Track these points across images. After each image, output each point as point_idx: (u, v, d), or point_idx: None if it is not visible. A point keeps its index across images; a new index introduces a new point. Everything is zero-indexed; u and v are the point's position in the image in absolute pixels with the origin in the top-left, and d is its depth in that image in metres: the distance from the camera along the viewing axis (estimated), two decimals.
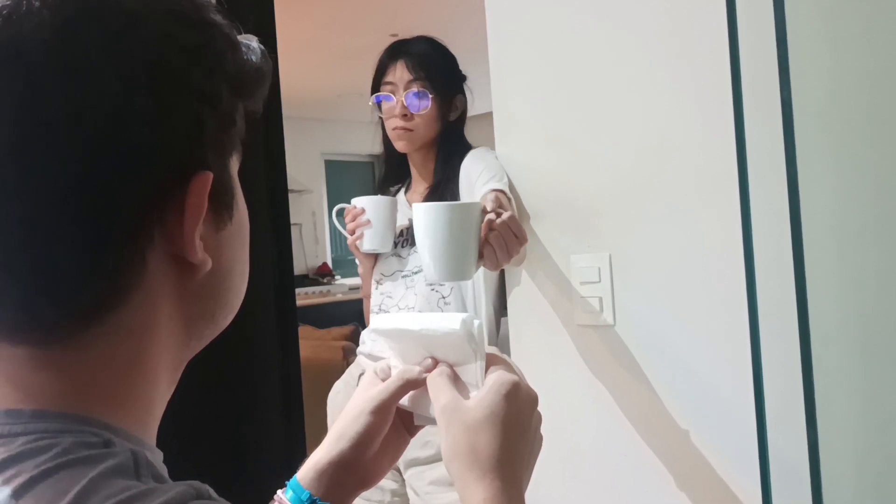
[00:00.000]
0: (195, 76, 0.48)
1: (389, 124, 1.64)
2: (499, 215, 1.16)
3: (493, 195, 1.21)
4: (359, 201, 1.56)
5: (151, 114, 0.45)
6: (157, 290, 0.48)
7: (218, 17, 0.51)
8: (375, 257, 1.67)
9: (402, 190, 1.75)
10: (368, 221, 1.54)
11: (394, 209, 1.57)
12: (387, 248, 1.58)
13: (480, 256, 1.18)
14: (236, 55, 0.51)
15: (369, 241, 1.55)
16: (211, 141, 0.49)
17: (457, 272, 1.18)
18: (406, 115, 1.60)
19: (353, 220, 1.55)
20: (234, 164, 0.53)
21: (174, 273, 0.49)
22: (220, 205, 0.51)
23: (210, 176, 0.48)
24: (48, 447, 0.43)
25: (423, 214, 1.16)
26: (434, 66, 1.64)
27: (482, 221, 1.17)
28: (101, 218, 0.44)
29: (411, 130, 1.61)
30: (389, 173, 1.76)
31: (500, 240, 1.16)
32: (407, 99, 1.60)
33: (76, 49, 0.44)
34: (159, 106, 0.46)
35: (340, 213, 1.61)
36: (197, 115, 0.48)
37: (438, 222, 1.15)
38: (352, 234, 1.56)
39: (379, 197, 1.60)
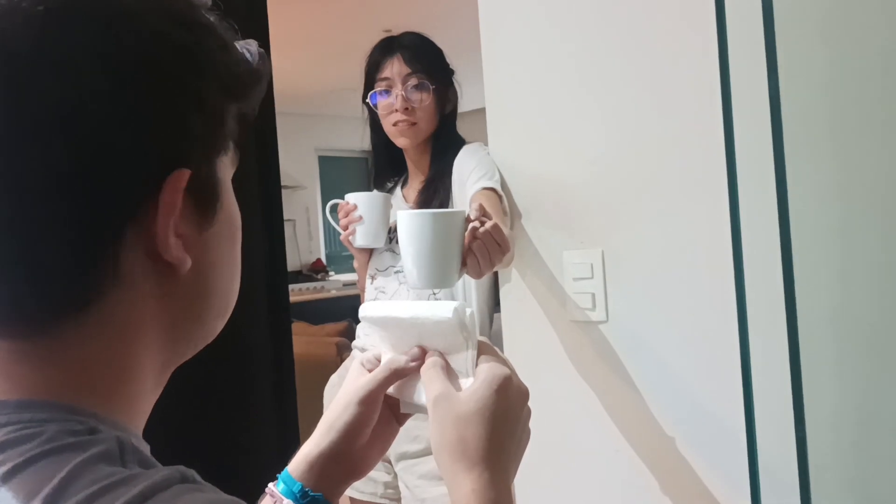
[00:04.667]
0: (180, 76, 0.48)
1: (389, 120, 1.63)
2: (482, 223, 1.16)
3: (477, 203, 1.21)
4: (351, 197, 1.57)
5: (128, 111, 0.45)
6: (136, 288, 0.48)
7: (211, 18, 0.51)
8: (371, 251, 1.68)
9: (399, 185, 1.75)
10: (360, 217, 1.54)
11: (387, 205, 1.57)
12: (379, 243, 1.59)
13: (463, 264, 1.18)
14: (228, 56, 0.51)
15: (361, 236, 1.56)
16: (193, 140, 0.49)
17: (439, 280, 1.18)
18: (408, 109, 1.60)
19: (346, 215, 1.56)
20: (225, 165, 0.53)
21: (154, 271, 0.49)
22: (203, 205, 0.51)
23: (186, 174, 0.48)
24: (33, 435, 0.43)
25: (406, 222, 1.16)
26: (429, 58, 1.65)
27: (465, 229, 1.17)
28: (72, 213, 0.45)
29: (415, 124, 1.61)
30: (383, 169, 1.76)
31: (482, 249, 1.16)
32: (407, 92, 1.61)
33: (56, 44, 0.44)
34: (137, 104, 0.46)
35: (334, 209, 1.62)
36: (178, 115, 0.48)
37: (422, 230, 1.15)
38: (345, 230, 1.57)
39: (372, 193, 1.60)
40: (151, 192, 0.47)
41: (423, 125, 1.62)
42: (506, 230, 1.25)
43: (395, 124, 1.62)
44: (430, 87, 1.61)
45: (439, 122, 1.65)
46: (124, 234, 0.47)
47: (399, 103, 1.61)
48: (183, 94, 0.48)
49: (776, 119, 0.79)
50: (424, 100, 1.61)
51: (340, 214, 1.58)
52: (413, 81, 1.61)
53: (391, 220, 1.61)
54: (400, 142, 1.65)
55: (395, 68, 1.62)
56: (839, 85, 0.88)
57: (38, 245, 0.44)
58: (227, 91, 0.51)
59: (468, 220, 1.18)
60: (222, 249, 0.54)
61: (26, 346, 0.46)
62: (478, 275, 1.20)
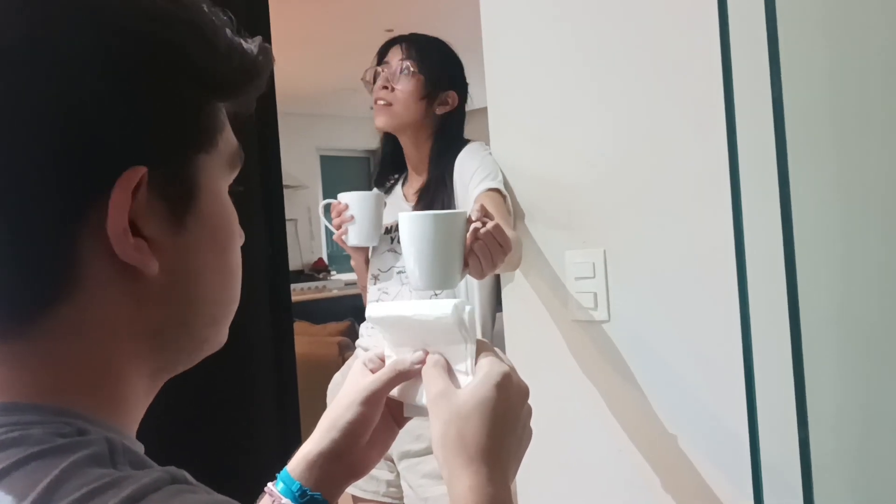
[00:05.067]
0: (139, 69, 0.46)
1: (374, 99, 1.66)
2: (484, 224, 1.16)
3: (479, 204, 1.21)
4: (343, 197, 1.58)
5: (76, 103, 0.44)
6: (103, 290, 0.46)
7: (196, 13, 0.49)
8: (367, 250, 1.68)
9: (400, 183, 1.75)
10: (352, 217, 1.55)
11: (379, 204, 1.58)
12: (373, 242, 1.59)
13: (465, 265, 1.18)
14: (211, 53, 0.49)
15: (354, 236, 1.57)
16: (155, 137, 0.47)
17: (441, 281, 1.18)
18: (386, 88, 1.62)
19: (338, 215, 1.57)
20: (207, 166, 0.50)
21: (120, 274, 0.47)
22: (175, 206, 0.48)
23: (140, 171, 0.45)
24: (20, 439, 0.42)
25: (407, 224, 1.17)
26: (427, 53, 1.66)
27: (467, 230, 1.17)
28: (23, 211, 0.43)
29: (390, 105, 1.62)
30: (387, 165, 1.77)
31: (484, 249, 1.16)
32: (391, 71, 1.63)
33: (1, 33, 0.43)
34: (86, 96, 0.44)
35: (328, 209, 1.62)
36: (133, 109, 0.46)
37: (423, 232, 1.15)
38: (337, 230, 1.58)
39: (363, 193, 1.60)
40: (103, 189, 0.45)
41: (399, 109, 1.62)
42: (510, 231, 1.25)
43: (375, 102, 1.64)
44: (411, 71, 1.62)
45: (427, 119, 1.64)
46: (78, 234, 0.45)
47: (381, 80, 1.63)
48: (139, 88, 0.46)
49: (779, 119, 0.79)
50: (405, 84, 1.62)
51: (333, 214, 1.59)
52: (401, 66, 1.63)
53: (387, 220, 1.62)
54: (378, 122, 1.66)
55: (391, 54, 1.66)
56: (842, 86, 0.87)
57: None
58: (208, 88, 0.49)
59: (470, 220, 1.18)
60: (205, 255, 0.51)
61: (3, 348, 0.46)
62: (480, 275, 1.19)
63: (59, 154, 0.44)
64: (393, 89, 1.62)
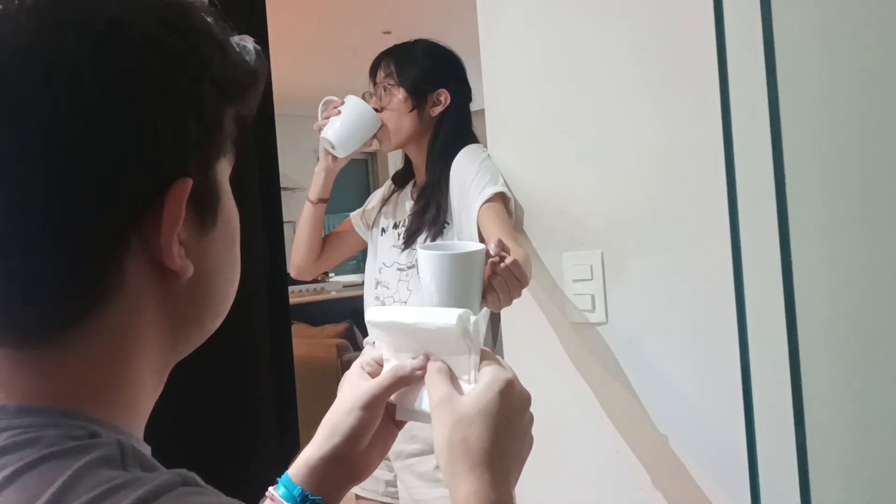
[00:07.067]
0: (177, 83, 0.47)
1: None
2: (502, 259, 1.17)
3: (497, 239, 1.21)
4: (347, 97, 1.61)
5: (127, 121, 0.45)
6: (138, 296, 0.48)
7: (207, 20, 0.50)
8: (338, 164, 1.67)
9: (411, 184, 1.75)
10: (339, 112, 1.58)
11: (371, 123, 1.60)
12: (344, 147, 1.60)
13: (484, 298, 1.18)
14: (225, 59, 0.51)
15: (331, 129, 1.59)
16: (193, 148, 0.48)
17: None
18: (378, 110, 1.63)
19: (333, 109, 1.60)
20: (223, 168, 0.53)
21: (155, 279, 0.48)
22: (204, 210, 0.50)
23: (189, 183, 0.47)
24: (33, 440, 0.43)
25: (425, 261, 1.16)
26: (406, 61, 1.65)
27: (486, 264, 1.17)
28: (74, 225, 0.44)
29: (383, 126, 1.63)
30: (406, 168, 1.76)
31: (502, 285, 1.16)
32: (379, 93, 1.64)
33: (52, 55, 0.44)
34: (136, 113, 0.45)
35: (326, 105, 1.65)
36: (177, 123, 0.47)
37: (442, 270, 1.14)
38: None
39: (364, 104, 1.62)
40: (153, 201, 0.46)
41: (393, 128, 1.63)
42: (519, 250, 1.24)
43: None
44: (392, 87, 1.62)
45: (423, 125, 1.63)
46: (129, 245, 0.46)
47: (372, 104, 1.64)
48: (179, 101, 0.47)
49: (775, 123, 0.79)
50: (390, 101, 1.62)
51: (329, 108, 1.62)
52: (382, 85, 1.64)
53: (397, 216, 1.65)
54: (381, 148, 1.67)
55: (378, 74, 1.66)
56: (838, 89, 0.88)
57: (41, 257, 0.44)
58: (224, 94, 0.51)
59: (488, 255, 1.18)
60: (221, 253, 0.53)
61: (22, 354, 0.46)
62: (497, 308, 1.19)
63: (109, 171, 0.45)
64: (381, 110, 1.63)
